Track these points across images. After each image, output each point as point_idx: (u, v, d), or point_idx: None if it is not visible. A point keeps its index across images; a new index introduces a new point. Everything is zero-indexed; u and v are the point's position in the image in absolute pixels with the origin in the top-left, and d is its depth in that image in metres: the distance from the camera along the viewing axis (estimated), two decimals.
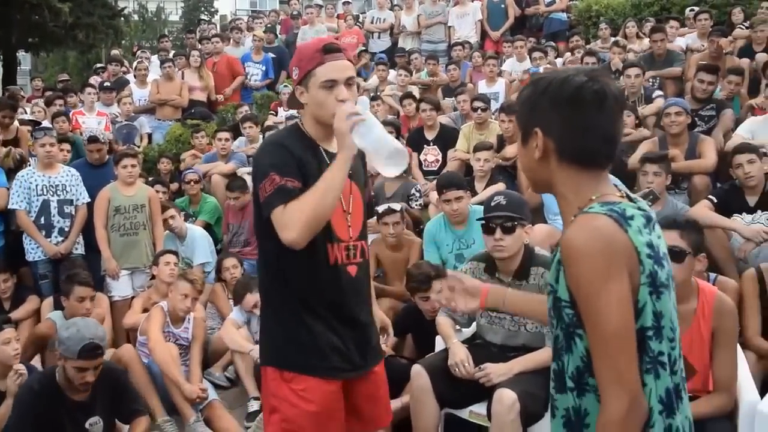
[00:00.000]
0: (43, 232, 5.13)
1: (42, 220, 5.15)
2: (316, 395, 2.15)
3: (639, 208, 1.47)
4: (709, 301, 2.77)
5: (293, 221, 2.02)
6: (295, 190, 2.07)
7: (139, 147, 7.75)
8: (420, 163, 6.47)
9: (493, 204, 3.21)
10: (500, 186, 5.36)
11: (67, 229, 5.22)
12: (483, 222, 3.22)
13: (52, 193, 5.20)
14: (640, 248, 1.40)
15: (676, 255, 2.71)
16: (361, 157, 2.33)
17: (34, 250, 5.15)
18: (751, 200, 4.25)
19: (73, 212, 5.27)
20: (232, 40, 10.63)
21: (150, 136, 8.58)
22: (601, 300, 1.37)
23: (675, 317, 1.49)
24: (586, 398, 1.48)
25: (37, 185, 5.17)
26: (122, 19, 21.17)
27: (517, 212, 3.16)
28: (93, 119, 7.86)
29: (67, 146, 6.51)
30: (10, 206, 5.14)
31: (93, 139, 5.91)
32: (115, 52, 13.73)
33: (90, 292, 4.28)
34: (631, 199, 1.51)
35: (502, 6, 10.23)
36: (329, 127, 2.16)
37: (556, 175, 1.50)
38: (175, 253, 4.97)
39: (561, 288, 1.47)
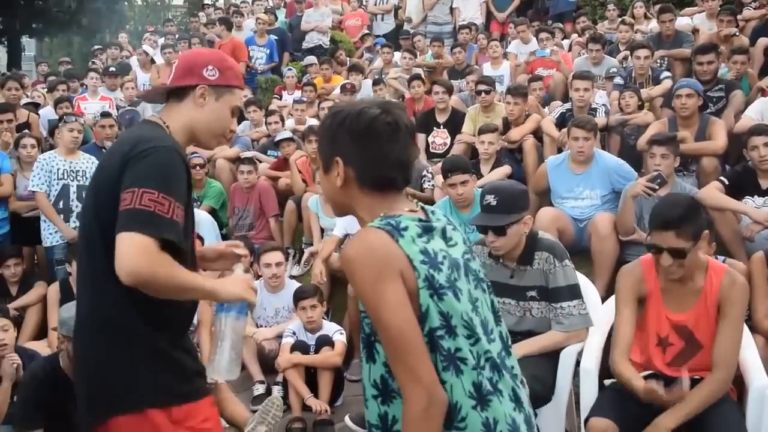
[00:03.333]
0: (61, 216, 5.15)
1: (60, 204, 5.18)
2: (204, 415, 1.92)
3: (420, 220, 1.57)
4: (718, 276, 2.73)
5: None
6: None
7: None
8: (428, 145, 6.42)
9: (484, 203, 3.15)
10: (506, 169, 5.31)
11: None
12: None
13: (72, 178, 5.24)
14: (413, 256, 1.50)
15: (677, 254, 2.64)
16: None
17: (51, 235, 5.17)
18: (764, 183, 4.18)
19: None
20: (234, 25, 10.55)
21: None
22: (378, 303, 1.45)
23: (478, 313, 1.57)
24: (393, 405, 1.54)
25: (58, 169, 5.20)
26: (126, 3, 21.10)
27: (508, 211, 3.08)
28: (96, 104, 7.82)
29: None
30: (30, 188, 5.19)
31: (106, 114, 6.00)
32: (122, 35, 13.66)
33: None
34: (426, 212, 1.63)
35: None
36: (196, 142, 2.10)
37: (356, 200, 1.61)
38: None
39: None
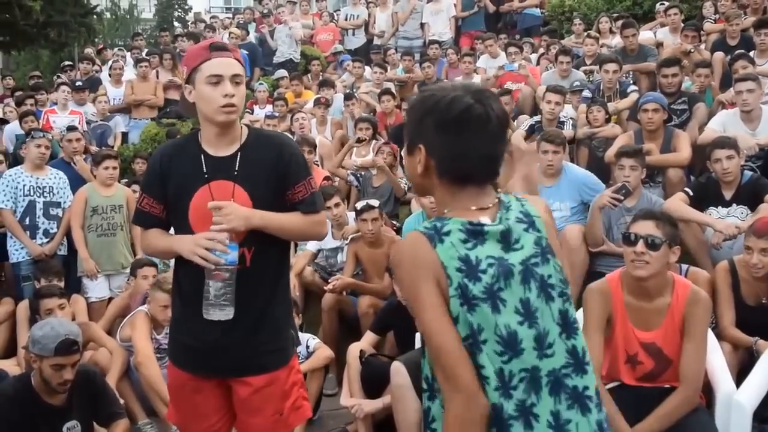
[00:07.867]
0: (28, 233, 5.08)
1: (27, 220, 5.11)
2: (171, 377, 2.42)
3: (471, 224, 1.48)
4: (684, 293, 2.81)
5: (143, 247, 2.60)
6: (150, 215, 2.34)
7: (113, 147, 7.66)
8: (401, 158, 6.47)
9: None
10: None
11: (52, 231, 5.18)
12: None
13: (39, 195, 5.17)
14: (446, 262, 1.45)
15: (653, 244, 2.76)
16: (274, 159, 2.24)
17: (18, 251, 5.09)
18: (727, 194, 4.29)
19: (60, 214, 5.24)
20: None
21: (125, 135, 8.49)
22: (416, 305, 1.46)
23: (534, 325, 1.47)
24: (435, 403, 1.54)
25: (24, 185, 5.14)
26: (94, 16, 20.89)
27: None
28: (66, 118, 7.73)
29: None
30: None
31: (72, 128, 6.01)
32: (88, 50, 13.54)
33: (56, 301, 4.18)
34: (500, 208, 1.53)
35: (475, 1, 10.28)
36: (217, 126, 2.23)
37: (434, 188, 1.57)
38: (155, 265, 4.82)
39: None
